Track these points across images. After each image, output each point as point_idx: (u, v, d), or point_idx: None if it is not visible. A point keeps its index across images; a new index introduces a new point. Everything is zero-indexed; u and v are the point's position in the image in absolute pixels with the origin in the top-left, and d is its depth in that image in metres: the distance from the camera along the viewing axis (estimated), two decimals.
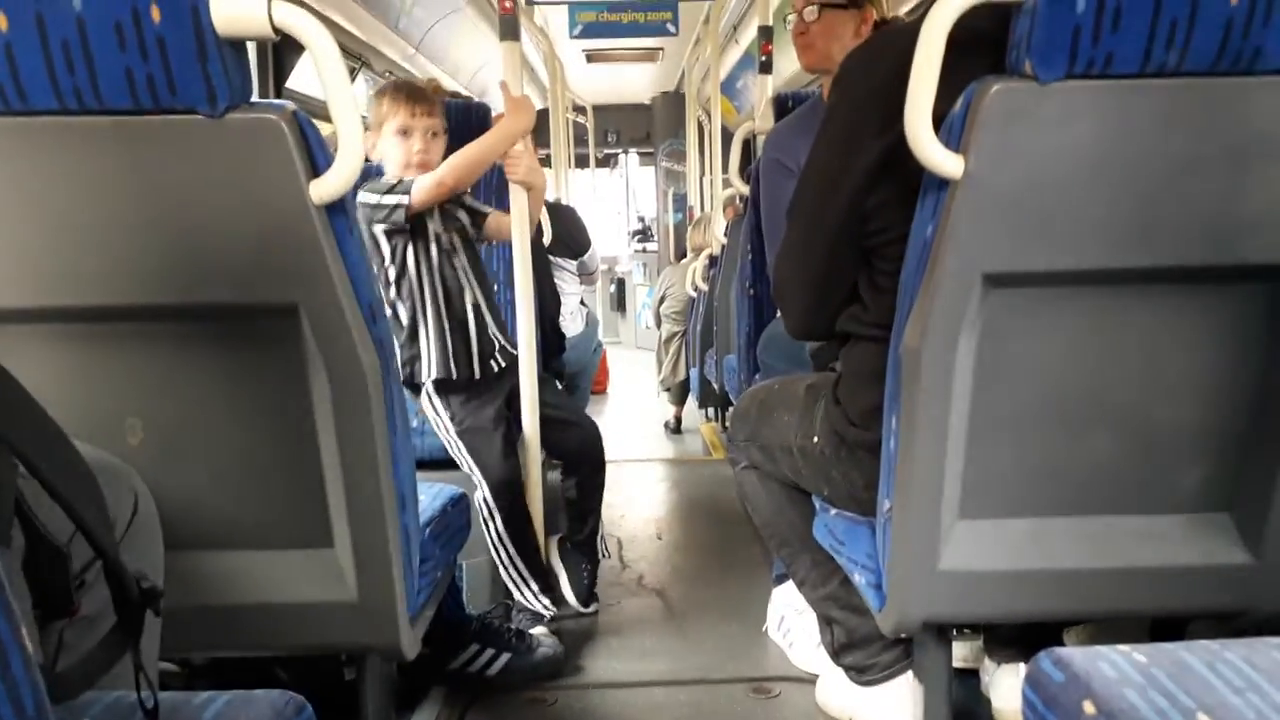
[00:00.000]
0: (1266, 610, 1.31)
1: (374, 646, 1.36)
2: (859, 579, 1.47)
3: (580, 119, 7.33)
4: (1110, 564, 1.31)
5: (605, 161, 9.49)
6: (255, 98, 1.14)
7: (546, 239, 3.29)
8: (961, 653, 1.80)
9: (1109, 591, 1.32)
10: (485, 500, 2.13)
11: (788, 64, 5.64)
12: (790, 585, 2.04)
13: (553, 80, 5.11)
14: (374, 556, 1.27)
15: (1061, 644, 1.54)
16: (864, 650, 1.69)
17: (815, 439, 1.55)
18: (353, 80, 4.00)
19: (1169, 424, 1.27)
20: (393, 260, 2.07)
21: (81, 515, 0.78)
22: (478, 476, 2.13)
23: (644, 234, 9.60)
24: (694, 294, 4.75)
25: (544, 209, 3.14)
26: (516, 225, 2.22)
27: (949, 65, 1.13)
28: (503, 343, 2.22)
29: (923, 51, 1.13)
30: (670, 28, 5.80)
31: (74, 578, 0.86)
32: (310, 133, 1.14)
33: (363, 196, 1.99)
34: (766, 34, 3.47)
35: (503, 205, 2.47)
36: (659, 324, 5.53)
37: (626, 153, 9.56)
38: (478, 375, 2.14)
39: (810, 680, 1.91)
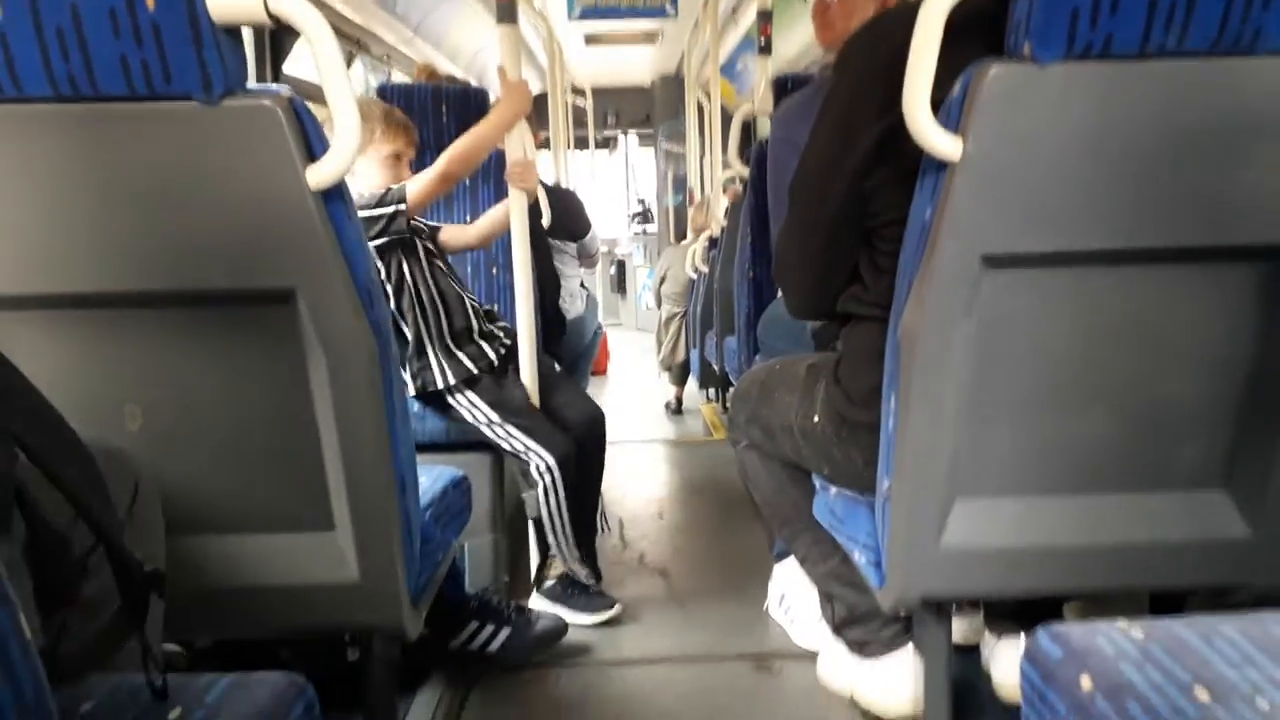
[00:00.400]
0: (1264, 584, 1.32)
1: (376, 627, 1.37)
2: (859, 557, 1.48)
3: (580, 102, 7.30)
4: (1108, 540, 1.31)
5: (605, 143, 9.46)
6: (251, 83, 1.14)
7: (545, 222, 3.29)
8: (962, 628, 1.81)
9: (1107, 567, 1.33)
10: (550, 472, 2.14)
11: (787, 46, 5.61)
12: (791, 562, 2.06)
13: (551, 63, 5.08)
14: (375, 538, 1.28)
15: (1061, 618, 1.55)
16: (864, 626, 1.71)
17: (816, 419, 1.55)
18: (349, 65, 3.99)
19: (1166, 402, 1.27)
20: (389, 277, 2.10)
21: (83, 500, 0.79)
22: (539, 454, 2.14)
23: (644, 216, 9.58)
24: (694, 276, 4.75)
25: (543, 192, 3.13)
26: (516, 212, 2.24)
27: (947, 48, 1.12)
28: (503, 329, 2.27)
29: (921, 34, 1.13)
30: (669, 10, 5.78)
31: (76, 563, 0.86)
32: (306, 118, 1.14)
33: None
34: (766, 16, 3.46)
35: (501, 192, 2.47)
36: (659, 305, 5.53)
37: (626, 135, 9.53)
38: (496, 363, 2.19)
39: (811, 656, 1.92)
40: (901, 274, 1.28)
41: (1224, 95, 1.12)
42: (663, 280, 5.47)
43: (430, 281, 2.16)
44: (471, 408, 2.16)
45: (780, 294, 1.95)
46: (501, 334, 2.26)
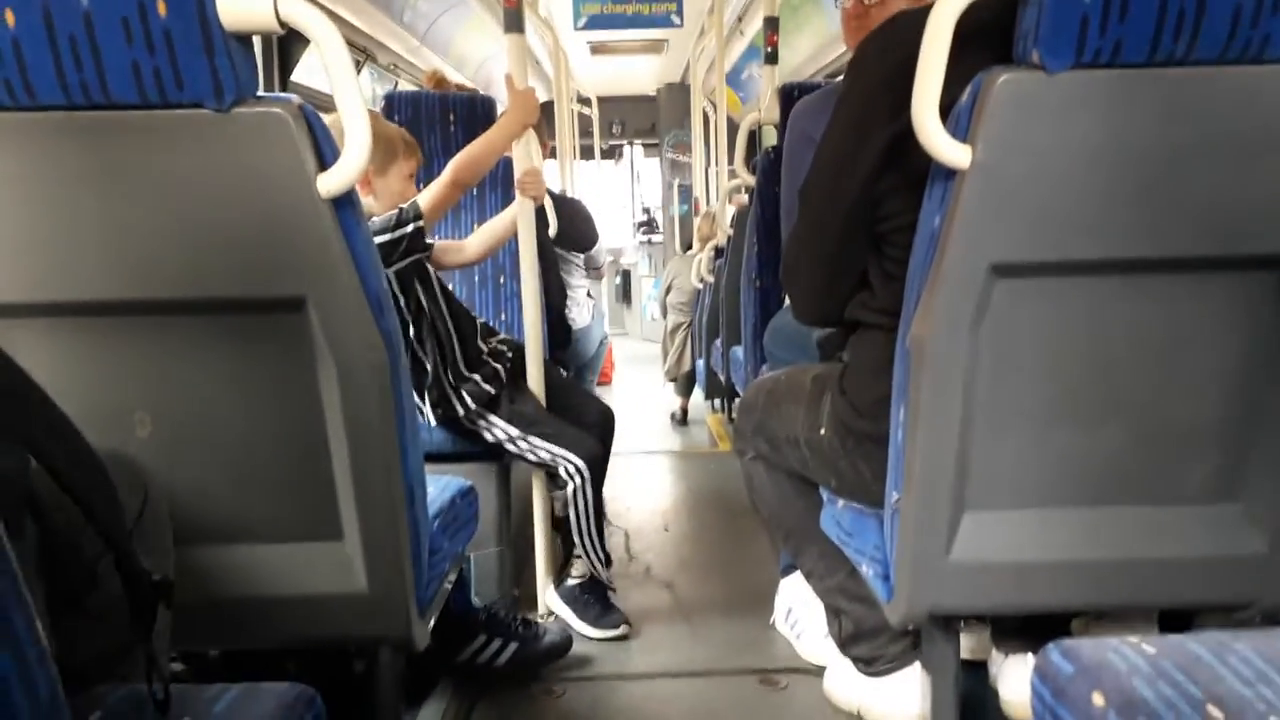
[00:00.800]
0: (1276, 600, 1.31)
1: (384, 638, 1.36)
2: (867, 570, 1.47)
3: (585, 111, 7.32)
4: (1119, 555, 1.30)
5: (610, 153, 9.47)
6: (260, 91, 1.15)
7: (552, 231, 3.29)
8: (969, 644, 1.80)
9: (1118, 583, 1.32)
10: (580, 473, 2.15)
11: (794, 55, 5.63)
12: (798, 577, 2.05)
13: (557, 72, 5.10)
14: (383, 549, 1.28)
15: (1069, 635, 1.54)
16: (872, 641, 1.70)
17: (822, 430, 1.55)
18: (358, 73, 4.00)
19: (1178, 414, 1.26)
20: (408, 306, 2.06)
21: (93, 507, 0.79)
22: (568, 458, 2.15)
23: (649, 225, 9.59)
24: (700, 286, 4.75)
25: (550, 201, 3.14)
26: (524, 221, 2.24)
27: (956, 56, 1.12)
28: (504, 342, 2.27)
29: (930, 42, 1.13)
30: (675, 19, 5.79)
31: (86, 570, 0.86)
32: (317, 126, 1.14)
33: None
34: (772, 25, 3.46)
35: (508, 198, 2.47)
36: (665, 315, 5.52)
37: (631, 144, 9.54)
38: (505, 379, 2.19)
39: (818, 672, 1.91)
40: (910, 282, 1.27)
41: (1234, 103, 1.11)
42: (668, 290, 5.47)
43: (442, 305, 2.13)
44: (491, 428, 2.16)
45: (787, 303, 1.95)
46: (505, 348, 2.26)
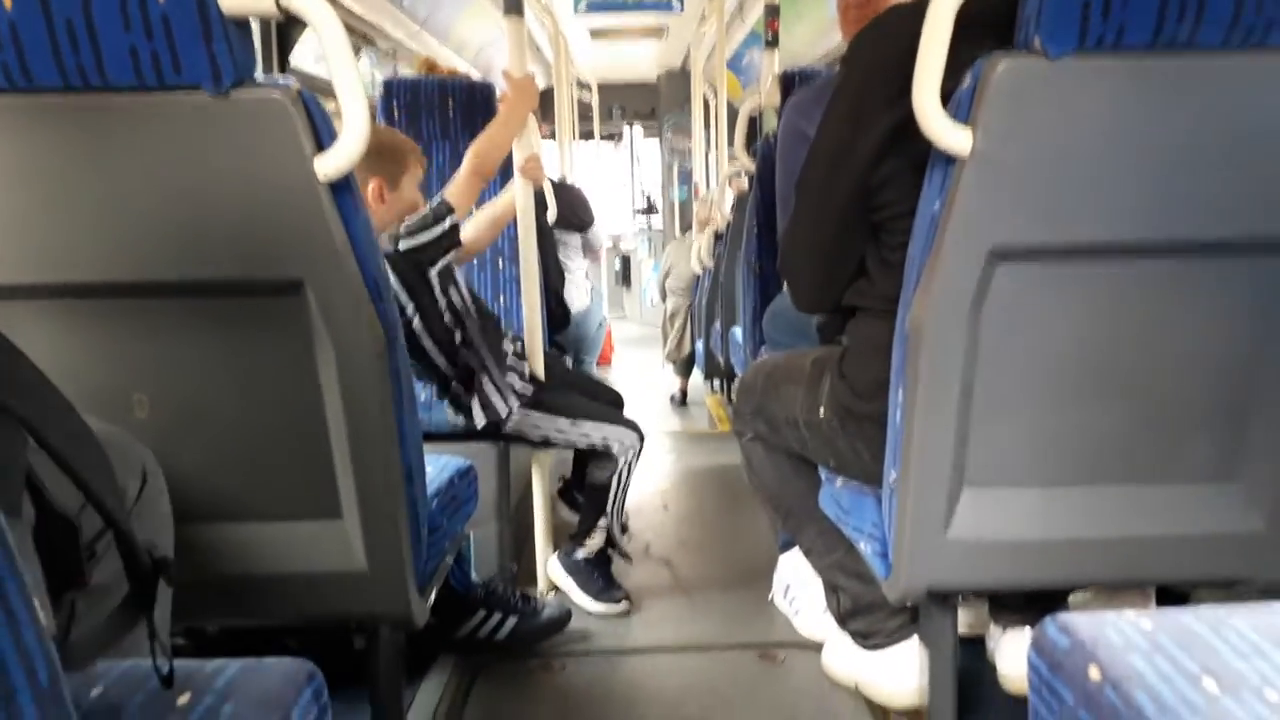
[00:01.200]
0: (1272, 577, 1.32)
1: (384, 616, 1.37)
2: (865, 548, 1.48)
3: (585, 96, 7.29)
4: (1117, 533, 1.31)
5: (610, 137, 9.44)
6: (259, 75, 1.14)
7: (551, 215, 3.29)
8: (967, 619, 1.81)
9: (1115, 560, 1.33)
10: (630, 447, 2.21)
11: (794, 40, 5.60)
12: (796, 553, 2.06)
13: (557, 57, 5.08)
14: (382, 527, 1.28)
15: (1067, 610, 1.55)
16: (869, 616, 1.71)
17: (821, 412, 1.55)
18: (356, 58, 3.98)
19: (1176, 395, 1.27)
20: (449, 307, 2.03)
21: (91, 486, 0.79)
22: (622, 436, 2.19)
23: (649, 210, 9.57)
24: (699, 270, 4.74)
25: (548, 185, 3.13)
26: (522, 205, 2.24)
27: (957, 42, 1.12)
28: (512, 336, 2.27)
29: (931, 27, 1.13)
30: (675, 4, 5.77)
31: (85, 549, 0.87)
32: (315, 110, 1.14)
33: (413, 243, 1.91)
34: (773, 10, 3.44)
35: (503, 183, 2.47)
36: (664, 299, 5.52)
37: (631, 128, 9.51)
38: (531, 375, 2.20)
39: (816, 647, 1.92)
40: (909, 267, 1.27)
41: (1237, 89, 1.11)
42: (668, 274, 5.46)
43: (468, 301, 2.10)
44: (536, 427, 2.16)
45: (785, 287, 1.95)
46: (519, 344, 2.26)
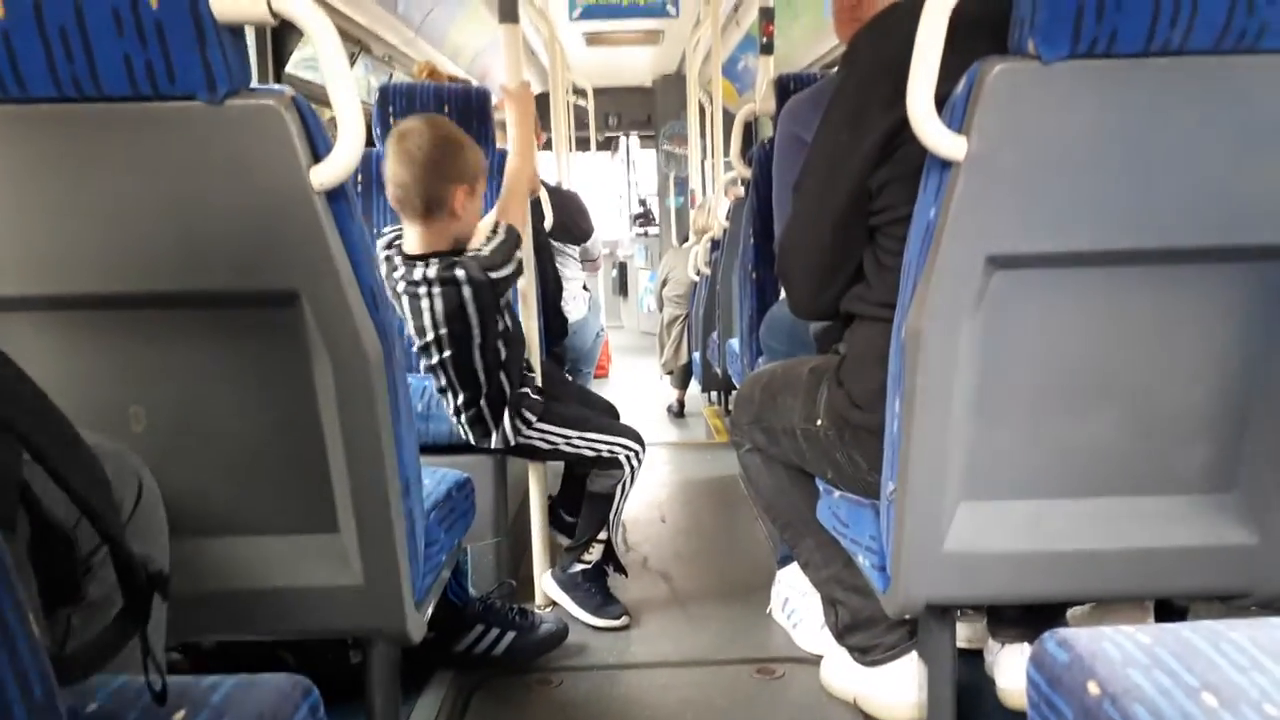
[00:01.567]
0: (1271, 591, 1.31)
1: (380, 630, 1.36)
2: (863, 561, 1.47)
3: (581, 102, 7.30)
4: (1114, 545, 1.31)
5: (606, 145, 9.45)
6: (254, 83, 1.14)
7: (547, 224, 3.29)
8: (965, 633, 1.80)
9: (1113, 573, 1.32)
10: (637, 456, 2.21)
11: (789, 45, 5.61)
12: (794, 567, 2.05)
13: (553, 63, 5.09)
14: (379, 541, 1.28)
15: (1065, 625, 1.55)
16: (868, 631, 1.70)
17: (819, 422, 1.55)
18: (352, 65, 3.99)
19: (1173, 404, 1.27)
20: (502, 331, 2.01)
21: (87, 500, 0.79)
22: (627, 445, 2.19)
23: (645, 218, 9.57)
24: (696, 278, 4.74)
25: (545, 193, 3.13)
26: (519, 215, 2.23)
27: (952, 47, 1.12)
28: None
29: (925, 32, 1.13)
30: (670, 9, 5.77)
31: (80, 563, 0.86)
32: (310, 118, 1.13)
33: (501, 274, 1.91)
34: (768, 15, 3.45)
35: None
36: (661, 308, 5.52)
37: (628, 136, 9.52)
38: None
39: (814, 661, 1.91)
40: (906, 274, 1.27)
41: (1230, 93, 1.11)
42: (665, 283, 5.47)
43: (512, 320, 2.10)
44: (546, 436, 2.15)
45: (783, 295, 1.95)
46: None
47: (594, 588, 2.24)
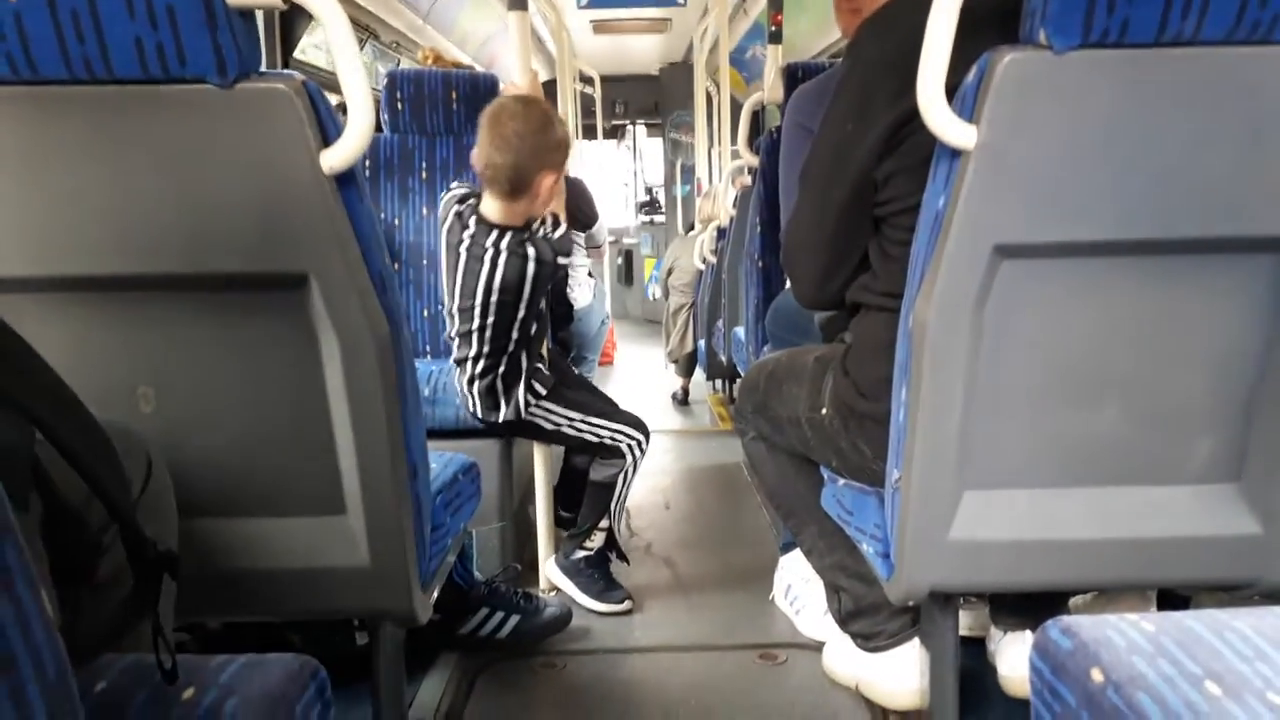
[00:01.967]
0: (1275, 580, 1.32)
1: (386, 612, 1.37)
2: (867, 548, 1.48)
3: (588, 90, 7.29)
4: (1119, 534, 1.31)
5: (613, 133, 9.43)
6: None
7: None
8: (968, 621, 1.81)
9: (1117, 562, 1.33)
10: (641, 448, 2.21)
11: (797, 34, 5.59)
12: (797, 554, 2.06)
13: (560, 51, 5.08)
14: (386, 523, 1.28)
15: (1068, 613, 1.55)
16: (871, 618, 1.71)
17: (824, 410, 1.55)
18: (360, 51, 3.98)
19: (1179, 394, 1.27)
20: (538, 307, 2.07)
21: (98, 479, 0.79)
22: (629, 434, 2.20)
23: (651, 206, 9.56)
24: (702, 266, 4.74)
25: None
26: None
27: (962, 37, 1.12)
28: None
29: (935, 21, 1.12)
30: None
31: (92, 542, 0.87)
32: (320, 102, 1.14)
33: (564, 261, 2.04)
34: (776, 4, 3.44)
35: None
36: (667, 296, 5.52)
37: (634, 124, 9.50)
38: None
39: (817, 647, 1.92)
40: (913, 263, 1.27)
41: (1242, 84, 1.11)
42: (670, 271, 5.46)
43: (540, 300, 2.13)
44: (550, 415, 2.16)
45: (789, 284, 1.95)
46: None
47: (597, 573, 2.25)
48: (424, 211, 2.77)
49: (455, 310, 2.02)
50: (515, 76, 2.20)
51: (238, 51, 1.08)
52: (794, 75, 2.80)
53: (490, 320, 1.98)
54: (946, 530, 1.30)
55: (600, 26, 6.65)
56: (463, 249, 1.97)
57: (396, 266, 2.72)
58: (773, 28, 3.41)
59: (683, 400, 5.16)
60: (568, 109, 5.31)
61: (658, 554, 2.64)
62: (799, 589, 2.10)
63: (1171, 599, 1.66)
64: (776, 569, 2.22)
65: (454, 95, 2.73)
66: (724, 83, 4.70)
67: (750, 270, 2.99)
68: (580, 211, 3.84)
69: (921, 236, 1.25)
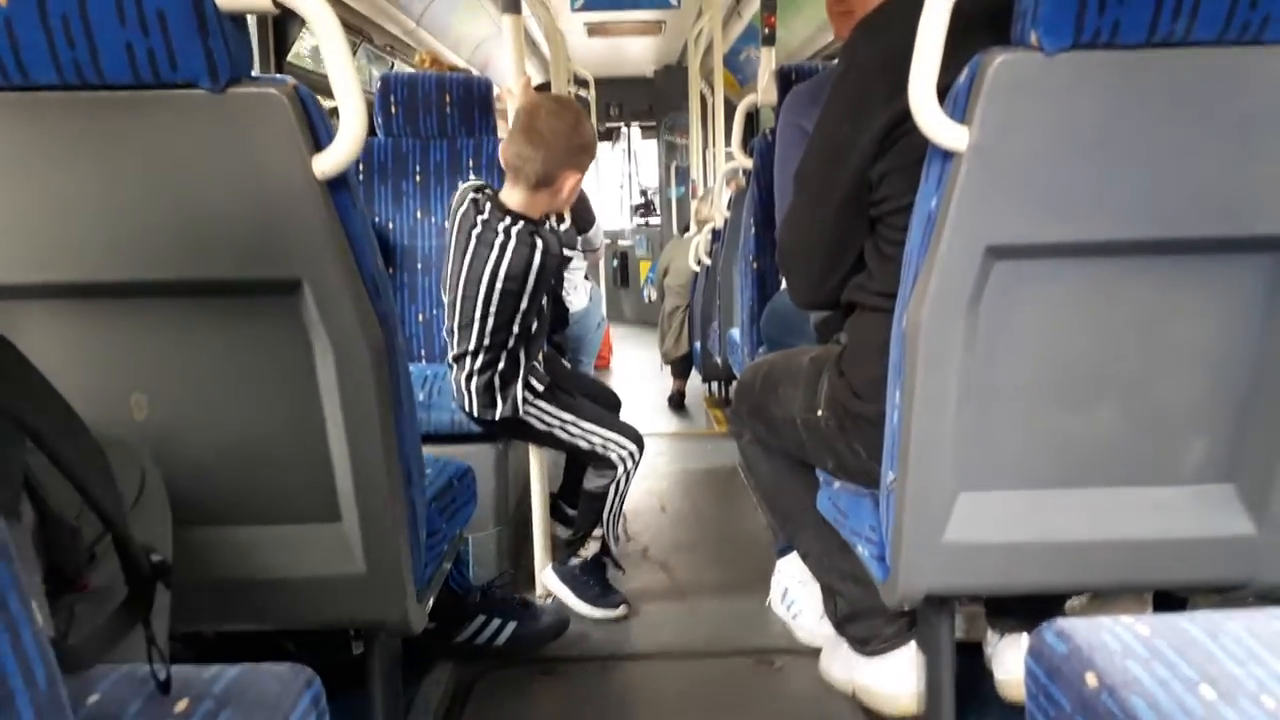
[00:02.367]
0: (1269, 581, 1.32)
1: (381, 620, 1.37)
2: (862, 551, 1.48)
3: (582, 93, 7.29)
4: (1114, 536, 1.31)
5: (608, 135, 9.44)
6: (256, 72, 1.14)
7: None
8: (964, 624, 1.81)
9: (1113, 564, 1.33)
10: (633, 459, 2.20)
11: (790, 36, 5.60)
12: (793, 557, 2.05)
13: (554, 53, 5.08)
14: (380, 530, 1.28)
15: (1064, 615, 1.55)
16: (867, 621, 1.70)
17: (819, 412, 1.55)
18: (354, 55, 3.98)
19: (1173, 395, 1.27)
20: (539, 302, 2.07)
21: (90, 489, 0.79)
22: (620, 443, 2.18)
23: (646, 208, 9.56)
24: (697, 268, 4.74)
25: None
26: None
27: (954, 38, 1.12)
28: None
29: (927, 22, 1.13)
30: (672, 0, 5.76)
31: (84, 551, 0.86)
32: (312, 107, 1.13)
33: (568, 255, 2.07)
34: (770, 6, 3.44)
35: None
36: (662, 298, 5.52)
37: (629, 126, 9.51)
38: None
39: (813, 652, 1.92)
40: (907, 264, 1.27)
41: (1233, 84, 1.11)
42: (665, 273, 5.46)
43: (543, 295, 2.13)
44: (544, 415, 2.15)
45: (784, 286, 1.95)
46: None
47: (592, 580, 2.25)
48: (418, 215, 2.77)
49: (458, 300, 2.02)
50: (510, 80, 2.21)
51: (229, 56, 1.08)
52: (787, 77, 2.80)
53: (493, 310, 1.98)
54: (941, 532, 1.30)
55: (595, 29, 6.66)
56: (474, 233, 1.98)
57: (390, 271, 2.72)
58: (766, 30, 3.42)
59: (679, 403, 5.15)
60: None
61: (654, 558, 2.63)
62: (795, 593, 2.09)
63: (1168, 600, 1.66)
64: (773, 573, 2.22)
65: (448, 99, 2.72)
66: (718, 84, 4.70)
67: (745, 272, 2.99)
68: (576, 214, 3.84)
69: (914, 238, 1.25)
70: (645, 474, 3.55)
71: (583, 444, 2.17)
